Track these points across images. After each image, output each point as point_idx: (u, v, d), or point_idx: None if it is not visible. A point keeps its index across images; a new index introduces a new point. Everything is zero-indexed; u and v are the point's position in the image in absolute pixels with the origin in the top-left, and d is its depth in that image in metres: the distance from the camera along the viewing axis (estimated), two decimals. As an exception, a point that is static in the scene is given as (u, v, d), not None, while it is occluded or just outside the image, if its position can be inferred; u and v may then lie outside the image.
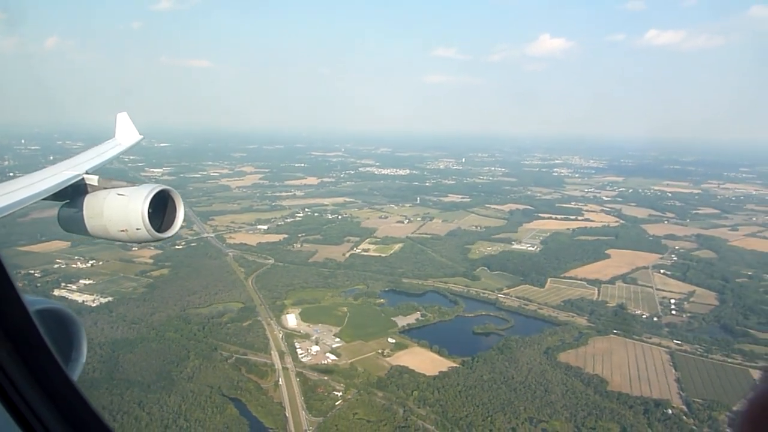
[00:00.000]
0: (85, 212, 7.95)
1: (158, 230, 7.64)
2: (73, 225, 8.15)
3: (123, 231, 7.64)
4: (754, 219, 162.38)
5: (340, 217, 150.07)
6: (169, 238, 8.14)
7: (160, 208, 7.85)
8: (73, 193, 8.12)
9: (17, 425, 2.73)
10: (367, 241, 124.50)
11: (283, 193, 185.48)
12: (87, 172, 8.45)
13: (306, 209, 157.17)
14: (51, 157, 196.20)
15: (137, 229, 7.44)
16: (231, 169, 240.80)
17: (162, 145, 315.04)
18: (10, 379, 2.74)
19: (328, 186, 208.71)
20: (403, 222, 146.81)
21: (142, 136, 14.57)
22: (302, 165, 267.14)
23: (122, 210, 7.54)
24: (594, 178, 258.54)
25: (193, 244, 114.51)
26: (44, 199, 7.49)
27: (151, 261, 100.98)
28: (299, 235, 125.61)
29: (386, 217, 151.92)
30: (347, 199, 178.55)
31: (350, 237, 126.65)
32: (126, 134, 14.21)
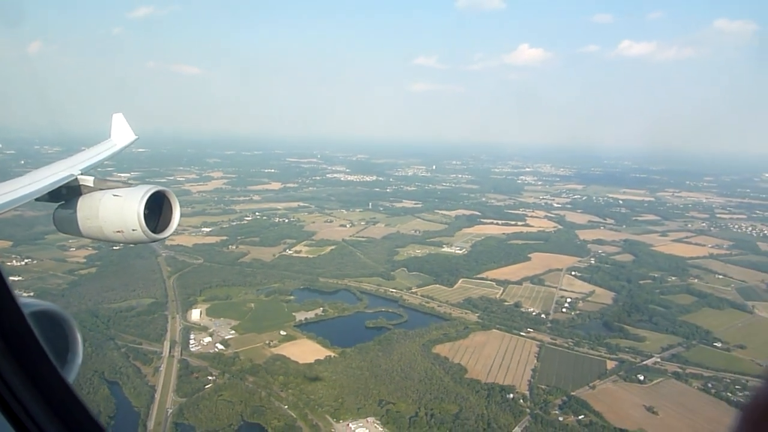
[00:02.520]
0: (79, 213, 7.91)
1: (154, 231, 7.71)
2: (68, 226, 8.12)
3: (119, 232, 7.64)
4: (689, 226, 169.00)
5: (286, 220, 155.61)
6: (165, 238, 8.19)
7: (156, 209, 7.90)
8: (69, 194, 8.13)
9: (12, 427, 2.73)
10: (302, 243, 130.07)
11: (241, 198, 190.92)
12: (81, 173, 8.46)
13: (256, 213, 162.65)
14: (22, 162, 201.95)
15: (133, 230, 7.46)
16: (199, 175, 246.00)
17: (140, 150, 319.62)
18: (5, 381, 2.73)
19: (289, 191, 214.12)
20: (345, 226, 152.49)
21: (137, 137, 14.59)
22: (272, 171, 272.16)
23: (118, 211, 7.55)
24: (556, 185, 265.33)
25: (131, 245, 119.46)
26: (38, 199, 7.49)
27: (83, 261, 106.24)
28: (238, 238, 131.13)
29: (331, 222, 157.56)
30: (301, 204, 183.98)
31: (288, 239, 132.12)
32: (121, 135, 14.25)
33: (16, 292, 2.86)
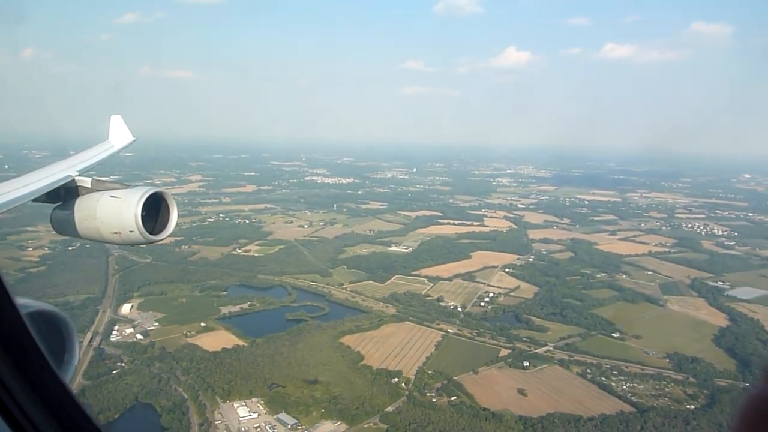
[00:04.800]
0: (77, 214, 7.93)
1: (151, 233, 7.80)
2: (65, 227, 8.15)
3: (116, 233, 7.66)
4: (642, 225, 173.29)
5: (247, 221, 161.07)
6: (162, 240, 8.28)
7: (153, 211, 7.98)
8: (66, 195, 8.15)
9: (9, 428, 2.74)
10: (255, 243, 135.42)
11: (211, 200, 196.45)
12: (79, 174, 8.49)
13: (220, 215, 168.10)
14: (6, 166, 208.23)
15: (130, 231, 7.51)
16: (178, 178, 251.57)
17: (127, 154, 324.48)
18: (1, 382, 2.74)
19: (261, 194, 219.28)
20: (303, 226, 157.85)
21: (135, 138, 14.69)
22: (252, 174, 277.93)
23: (115, 212, 7.56)
24: (529, 187, 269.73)
25: (87, 246, 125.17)
26: (35, 200, 7.50)
27: (37, 260, 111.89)
28: (194, 238, 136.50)
29: (291, 222, 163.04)
30: (268, 206, 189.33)
31: (242, 239, 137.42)
32: (119, 136, 14.39)
33: (13, 291, 2.86)
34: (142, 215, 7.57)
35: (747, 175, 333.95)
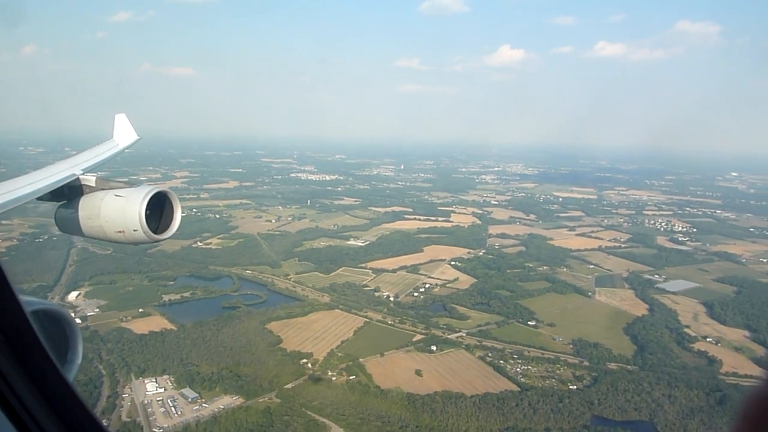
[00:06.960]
0: (81, 213, 8.13)
1: (155, 232, 8.00)
2: (69, 225, 8.37)
3: (120, 232, 7.85)
4: (605, 221, 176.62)
5: (218, 216, 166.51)
6: (166, 239, 8.47)
7: (157, 210, 8.17)
8: (71, 194, 8.37)
9: (13, 426, 2.76)
10: (218, 236, 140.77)
11: (189, 196, 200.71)
12: (83, 172, 8.69)
13: (194, 210, 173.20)
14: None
15: (134, 230, 7.69)
16: (164, 174, 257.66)
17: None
18: (5, 380, 2.77)
19: (241, 190, 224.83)
20: (271, 221, 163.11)
21: (139, 137, 14.82)
22: (239, 171, 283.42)
23: (119, 211, 7.75)
24: (510, 184, 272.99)
25: (54, 238, 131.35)
26: (39, 198, 7.74)
27: (2, 251, 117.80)
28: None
29: (260, 217, 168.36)
30: (243, 201, 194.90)
31: (206, 233, 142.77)
32: (123, 135, 14.50)
33: (18, 289, 2.91)
34: (146, 214, 7.73)
35: (734, 174, 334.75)
